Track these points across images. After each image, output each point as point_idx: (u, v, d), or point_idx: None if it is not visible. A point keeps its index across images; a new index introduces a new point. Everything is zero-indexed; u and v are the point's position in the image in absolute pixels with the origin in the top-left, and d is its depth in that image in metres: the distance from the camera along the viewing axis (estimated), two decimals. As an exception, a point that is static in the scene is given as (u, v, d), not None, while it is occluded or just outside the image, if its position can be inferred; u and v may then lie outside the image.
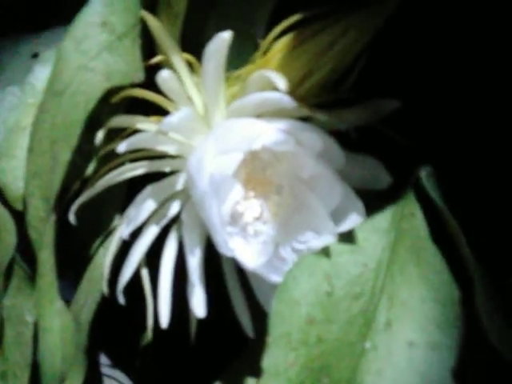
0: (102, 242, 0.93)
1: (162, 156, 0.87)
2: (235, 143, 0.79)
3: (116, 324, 1.00)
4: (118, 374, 1.28)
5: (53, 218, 0.83)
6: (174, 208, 0.88)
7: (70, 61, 0.82)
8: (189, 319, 0.93)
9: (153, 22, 0.83)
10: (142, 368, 1.22)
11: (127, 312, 1.00)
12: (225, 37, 0.77)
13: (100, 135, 0.84)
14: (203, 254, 0.87)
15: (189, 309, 0.90)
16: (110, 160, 0.87)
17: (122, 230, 0.86)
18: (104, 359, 1.22)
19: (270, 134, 0.77)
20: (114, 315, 0.94)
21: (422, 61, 0.91)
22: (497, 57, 0.90)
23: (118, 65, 0.83)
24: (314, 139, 0.80)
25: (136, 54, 0.85)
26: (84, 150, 0.84)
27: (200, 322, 0.92)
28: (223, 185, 0.79)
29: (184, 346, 1.10)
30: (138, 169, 0.87)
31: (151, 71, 0.86)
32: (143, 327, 1.17)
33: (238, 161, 0.77)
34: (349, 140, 0.84)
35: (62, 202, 0.85)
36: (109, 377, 1.24)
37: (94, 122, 0.83)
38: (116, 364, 1.24)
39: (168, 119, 0.79)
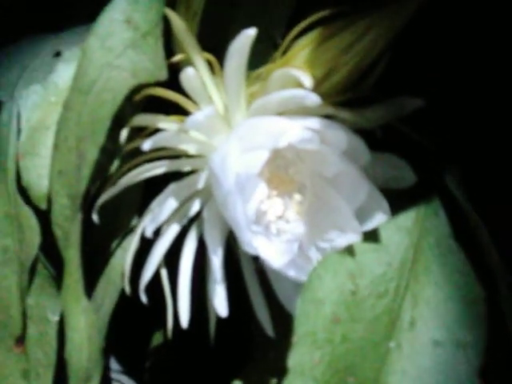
0: (120, 243, 0.93)
1: (181, 155, 0.87)
2: (260, 141, 0.79)
3: (122, 328, 1.00)
4: (124, 379, 1.28)
5: (79, 216, 0.83)
6: (195, 207, 0.88)
7: (96, 58, 0.81)
8: (201, 321, 0.92)
9: (176, 20, 0.83)
10: (149, 371, 1.22)
11: (135, 315, 1.00)
12: (249, 34, 0.77)
13: (124, 133, 0.84)
14: (224, 252, 0.87)
15: (209, 309, 0.91)
16: (129, 159, 0.87)
17: (145, 228, 0.86)
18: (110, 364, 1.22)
19: (295, 131, 0.77)
20: (120, 319, 0.94)
21: (445, 59, 0.91)
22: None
23: (143, 63, 0.82)
24: (339, 137, 0.80)
25: (159, 51, 0.85)
26: (107, 149, 0.83)
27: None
28: (248, 184, 0.78)
29: (196, 348, 1.11)
30: (158, 168, 0.87)
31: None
32: (150, 330, 1.17)
33: (264, 159, 0.77)
34: (372, 139, 0.84)
35: (85, 200, 0.85)
36: (116, 381, 1.24)
37: (116, 120, 0.82)
38: (123, 368, 1.24)
39: (193, 117, 0.79)
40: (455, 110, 0.91)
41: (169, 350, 1.19)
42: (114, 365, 1.21)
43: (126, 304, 0.91)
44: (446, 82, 0.91)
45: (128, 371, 1.24)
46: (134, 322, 1.09)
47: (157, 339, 1.20)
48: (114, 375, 1.22)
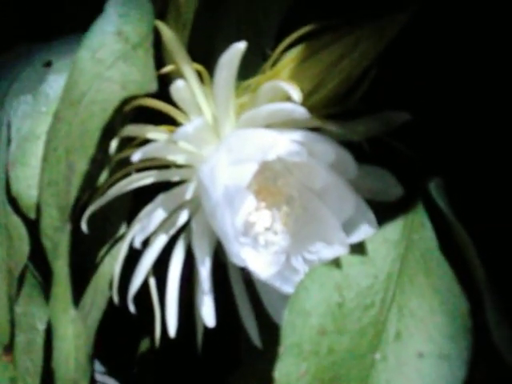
0: (108, 251, 0.93)
1: (169, 165, 0.88)
2: (249, 153, 0.79)
3: (110, 332, 1.00)
4: (110, 381, 1.28)
5: (68, 227, 0.84)
6: (183, 217, 0.88)
7: (86, 70, 0.82)
8: (189, 329, 0.93)
9: (166, 31, 0.83)
10: (136, 377, 1.22)
11: (122, 321, 1.00)
12: (239, 47, 0.78)
13: (114, 144, 0.84)
14: (212, 263, 0.88)
15: (196, 318, 0.91)
16: (119, 169, 0.88)
17: (134, 238, 0.86)
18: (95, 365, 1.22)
19: (284, 144, 0.78)
20: (108, 323, 0.94)
21: (431, 73, 0.92)
22: (507, 71, 0.90)
23: (134, 75, 0.83)
24: (327, 150, 0.81)
25: (149, 63, 0.85)
26: (96, 159, 0.84)
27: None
28: (237, 196, 0.79)
29: (183, 355, 1.11)
30: (147, 178, 0.87)
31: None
32: (138, 336, 1.18)
33: (252, 172, 0.77)
34: (359, 152, 0.84)
35: (73, 211, 0.85)
36: (99, 382, 1.24)
37: (106, 130, 0.83)
38: (109, 371, 1.24)
39: (183, 129, 0.79)
40: (441, 123, 0.92)
41: (156, 357, 1.19)
42: (98, 367, 1.21)
43: (113, 310, 0.91)
44: (431, 95, 0.92)
45: (114, 375, 1.24)
46: (121, 326, 1.09)
47: (144, 345, 1.20)
48: (99, 377, 1.22)
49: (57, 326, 0.84)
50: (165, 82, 0.85)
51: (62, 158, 0.83)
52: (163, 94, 0.84)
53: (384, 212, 0.85)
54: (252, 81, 0.87)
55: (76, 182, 0.81)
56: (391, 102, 0.88)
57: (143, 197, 0.88)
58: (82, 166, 0.81)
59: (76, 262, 0.88)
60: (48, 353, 0.90)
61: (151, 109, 0.86)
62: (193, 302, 0.90)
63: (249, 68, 0.86)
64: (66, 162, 0.82)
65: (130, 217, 0.90)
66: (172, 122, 0.86)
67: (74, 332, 0.84)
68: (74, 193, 0.82)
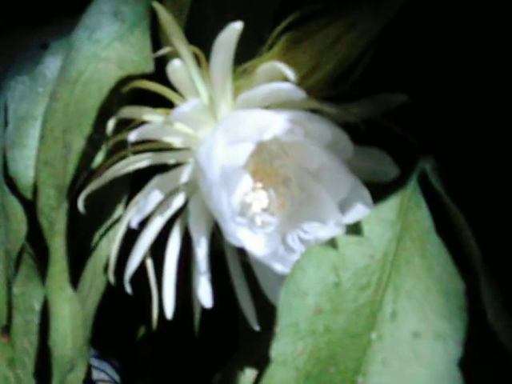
0: (105, 233, 0.93)
1: (166, 148, 0.88)
2: (245, 134, 0.79)
3: (106, 315, 1.01)
4: (105, 365, 1.29)
5: (65, 206, 0.84)
6: (179, 199, 0.89)
7: (83, 49, 0.83)
8: (187, 313, 0.93)
9: (163, 13, 0.83)
10: (133, 360, 1.23)
11: (119, 304, 1.00)
12: (236, 27, 0.78)
13: (111, 124, 0.84)
14: (209, 244, 0.88)
15: (193, 299, 0.91)
16: (115, 151, 0.88)
17: (131, 219, 0.86)
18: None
19: (280, 124, 0.78)
20: (105, 307, 0.94)
21: (427, 55, 0.92)
22: (501, 53, 0.91)
23: (130, 55, 0.83)
24: (323, 130, 0.81)
25: (146, 44, 0.86)
26: (93, 140, 0.84)
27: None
28: (233, 176, 0.79)
29: (180, 338, 1.11)
30: (144, 160, 0.87)
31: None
32: (135, 320, 1.18)
33: (248, 152, 0.78)
34: (355, 133, 0.85)
35: (71, 192, 0.85)
36: (95, 368, 1.24)
37: (103, 111, 0.83)
38: (104, 355, 1.25)
39: (179, 109, 0.79)
40: (437, 105, 0.92)
41: (153, 340, 1.20)
42: (93, 351, 1.22)
43: (111, 293, 0.92)
44: (428, 76, 0.92)
45: (111, 359, 1.25)
46: (118, 310, 1.10)
47: (141, 329, 1.20)
48: (95, 362, 1.22)
49: (53, 305, 0.84)
50: (162, 65, 0.85)
51: (59, 138, 0.83)
52: (160, 77, 0.84)
53: (380, 193, 0.86)
54: (248, 64, 0.87)
55: (73, 161, 0.82)
56: (388, 83, 0.89)
57: (144, 179, 0.88)
58: (78, 145, 0.82)
59: (75, 245, 0.89)
60: (45, 333, 0.91)
61: (148, 93, 0.86)
62: (190, 283, 0.90)
63: (245, 52, 0.86)
64: (62, 142, 0.83)
65: (128, 199, 0.91)
66: (169, 105, 0.86)
67: (71, 311, 0.85)
68: (70, 172, 0.82)
